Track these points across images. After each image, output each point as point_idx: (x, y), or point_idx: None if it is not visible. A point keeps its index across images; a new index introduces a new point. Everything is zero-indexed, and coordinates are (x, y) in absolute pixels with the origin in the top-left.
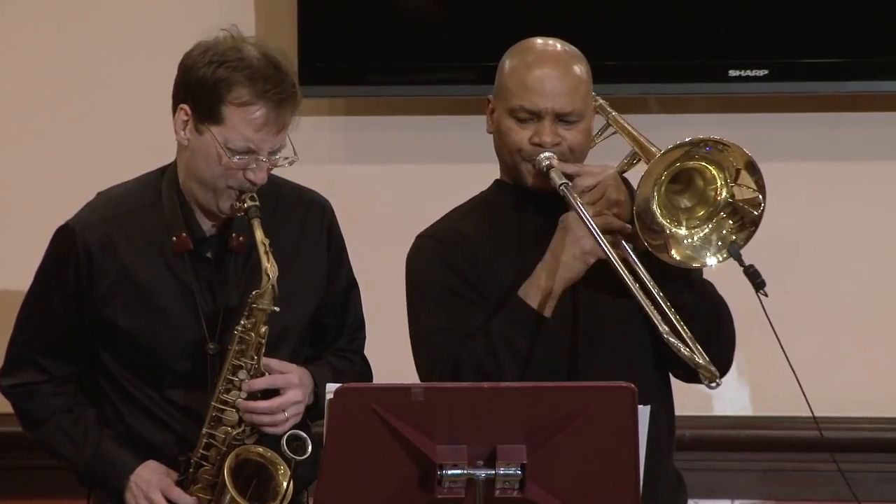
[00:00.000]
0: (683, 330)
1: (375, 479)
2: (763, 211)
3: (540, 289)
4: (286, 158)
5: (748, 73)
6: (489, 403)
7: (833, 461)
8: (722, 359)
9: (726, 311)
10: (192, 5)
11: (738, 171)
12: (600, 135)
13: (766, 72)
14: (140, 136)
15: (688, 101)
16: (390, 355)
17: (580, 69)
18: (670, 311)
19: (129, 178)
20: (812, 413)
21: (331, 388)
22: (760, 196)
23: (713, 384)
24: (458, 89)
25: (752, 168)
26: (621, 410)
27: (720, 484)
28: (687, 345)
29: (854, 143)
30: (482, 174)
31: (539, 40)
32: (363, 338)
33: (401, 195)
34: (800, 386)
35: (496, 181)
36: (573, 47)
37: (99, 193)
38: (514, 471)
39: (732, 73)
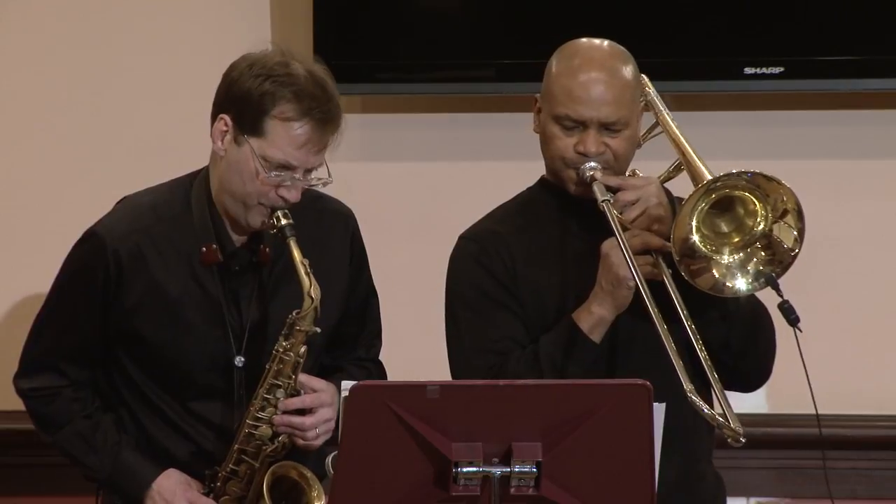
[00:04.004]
0: (714, 381)
1: (391, 477)
2: (796, 258)
3: (591, 314)
4: (320, 179)
5: (764, 70)
6: (505, 401)
7: (820, 458)
8: (760, 367)
9: (766, 319)
10: (208, 5)
11: (785, 212)
12: (648, 134)
13: (781, 69)
14: (154, 138)
15: (703, 99)
16: (407, 354)
17: (627, 72)
18: (701, 352)
19: (144, 179)
20: (816, 411)
21: (346, 385)
22: (799, 243)
23: (736, 444)
24: (476, 87)
25: (799, 214)
26: (637, 408)
27: (736, 482)
28: (711, 402)
29: (870, 140)
30: (500, 172)
31: (585, 41)
32: (379, 345)
33: (417, 193)
34: (809, 386)
35: (541, 179)
36: (620, 48)
37: (126, 199)
38: (530, 468)
39: (748, 70)
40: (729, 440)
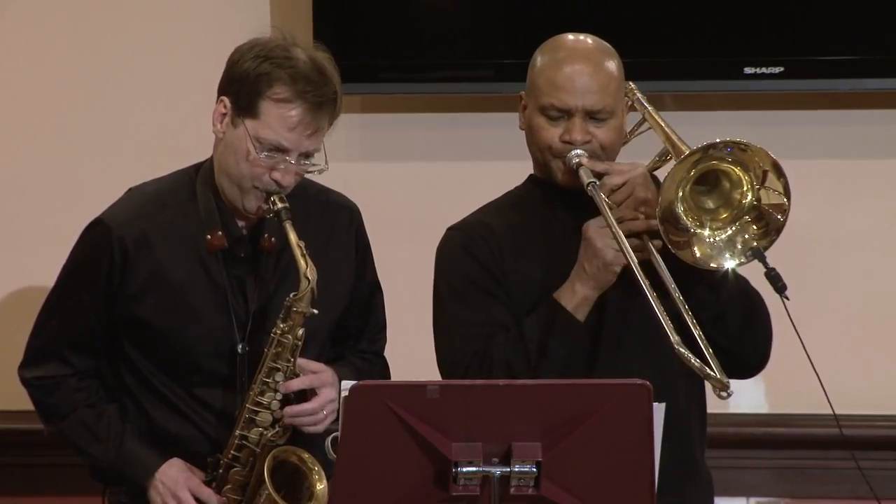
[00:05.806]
0: (701, 339)
1: (390, 477)
2: (787, 216)
3: (573, 294)
4: (315, 165)
5: (764, 70)
6: (504, 401)
7: (853, 459)
8: (758, 354)
9: (761, 306)
10: (208, 4)
11: (765, 174)
12: (636, 130)
13: (781, 69)
14: (155, 135)
15: (703, 99)
16: (407, 352)
17: (611, 65)
18: (690, 319)
19: (145, 176)
20: (833, 412)
21: (346, 385)
22: (786, 201)
23: (723, 394)
24: (475, 87)
25: (778, 170)
26: (637, 408)
27: (736, 482)
28: (699, 355)
29: (870, 140)
30: (499, 171)
31: (570, 36)
32: (384, 340)
33: (416, 192)
34: (821, 385)
35: (530, 176)
36: (605, 42)
37: (131, 189)
38: (530, 468)
39: (748, 70)
40: (715, 391)
